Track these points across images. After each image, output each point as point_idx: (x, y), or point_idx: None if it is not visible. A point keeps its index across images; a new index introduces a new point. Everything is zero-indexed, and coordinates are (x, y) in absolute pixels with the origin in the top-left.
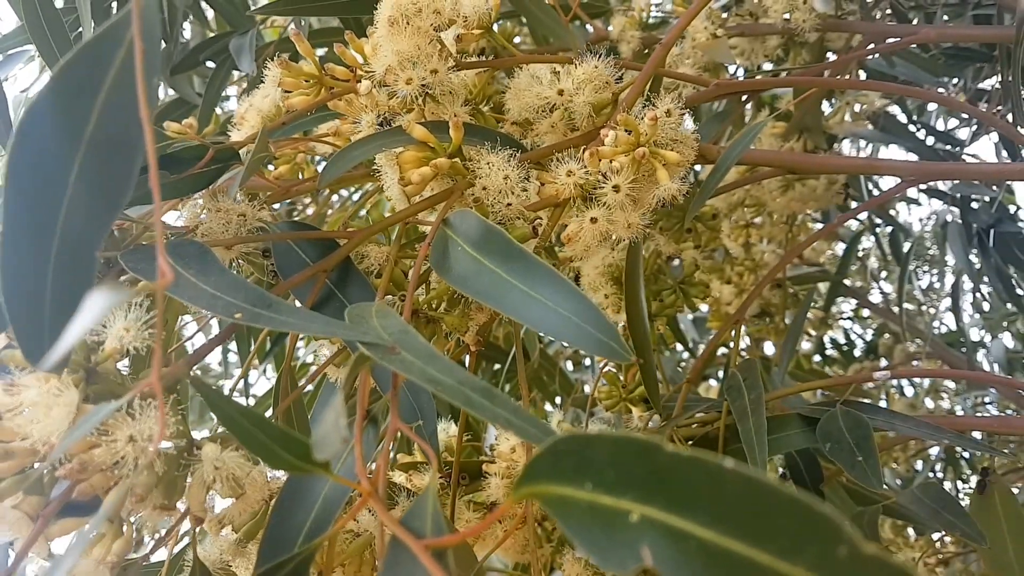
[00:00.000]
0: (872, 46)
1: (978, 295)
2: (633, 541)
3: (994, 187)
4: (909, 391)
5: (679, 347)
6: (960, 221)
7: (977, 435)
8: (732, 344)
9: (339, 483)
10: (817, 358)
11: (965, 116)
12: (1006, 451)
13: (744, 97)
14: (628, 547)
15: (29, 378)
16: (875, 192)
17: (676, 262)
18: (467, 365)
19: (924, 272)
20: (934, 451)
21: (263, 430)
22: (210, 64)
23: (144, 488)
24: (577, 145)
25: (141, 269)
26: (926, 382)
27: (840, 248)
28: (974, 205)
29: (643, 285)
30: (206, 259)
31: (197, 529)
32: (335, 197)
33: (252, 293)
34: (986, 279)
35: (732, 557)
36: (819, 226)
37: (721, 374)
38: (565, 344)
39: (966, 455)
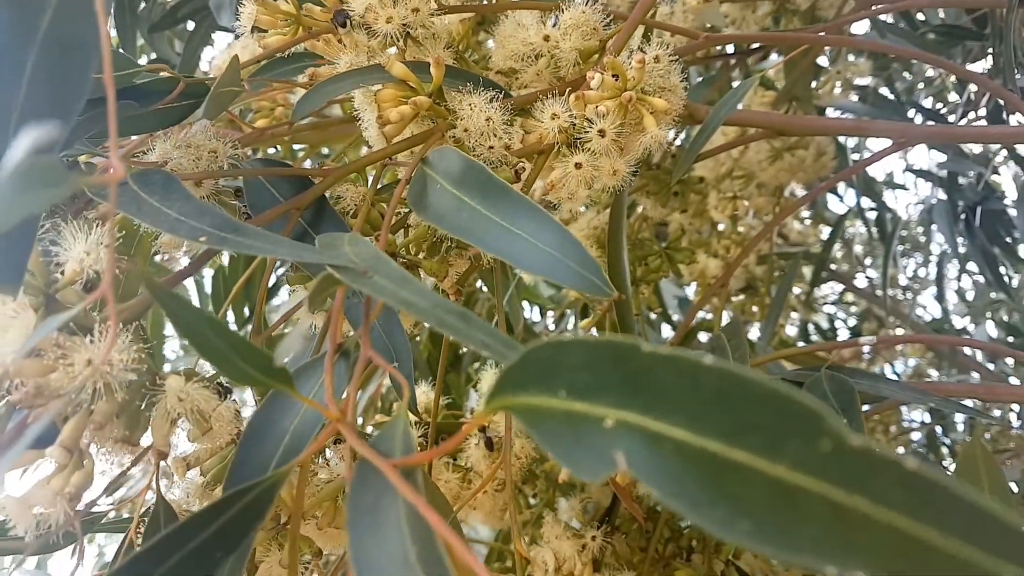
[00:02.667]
0: (862, 12)
1: (963, 284)
2: (607, 447)
3: (982, 169)
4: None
5: (665, 328)
6: (946, 198)
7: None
8: (715, 313)
9: (308, 412)
10: (801, 344)
11: (953, 100)
12: (992, 421)
13: (732, 62)
14: (601, 453)
15: None
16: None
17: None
18: None
19: (910, 259)
20: (916, 436)
21: (225, 339)
22: (190, 24)
23: (103, 415)
24: (563, 90)
25: (105, 194)
26: (911, 368)
27: (827, 233)
28: (961, 183)
29: (627, 247)
30: (171, 186)
31: (161, 464)
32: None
33: (218, 218)
34: (971, 263)
35: (709, 457)
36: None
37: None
38: (557, 285)
39: (947, 440)
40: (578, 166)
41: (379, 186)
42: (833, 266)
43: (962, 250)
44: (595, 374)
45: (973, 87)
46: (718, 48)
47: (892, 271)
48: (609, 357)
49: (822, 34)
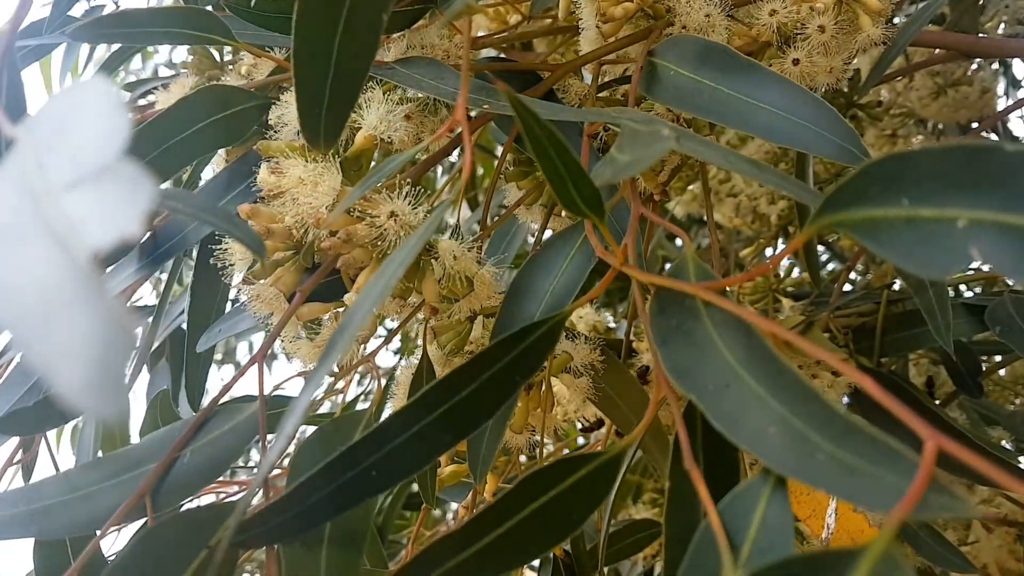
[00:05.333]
0: None
1: None
2: (959, 245)
3: None
4: None
5: None
6: None
7: None
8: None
9: (568, 273)
10: None
11: None
12: None
13: None
14: (953, 251)
15: (292, 160)
16: None
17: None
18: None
19: None
20: None
21: (564, 162)
22: None
23: None
24: None
25: (389, 73)
26: None
27: None
28: None
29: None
30: (440, 68)
31: (428, 323)
32: None
33: (487, 89)
34: None
35: None
36: None
37: None
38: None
39: None
40: (796, 63)
41: (599, 83)
42: None
43: None
44: (943, 180)
45: None
46: None
47: None
48: (961, 161)
49: None
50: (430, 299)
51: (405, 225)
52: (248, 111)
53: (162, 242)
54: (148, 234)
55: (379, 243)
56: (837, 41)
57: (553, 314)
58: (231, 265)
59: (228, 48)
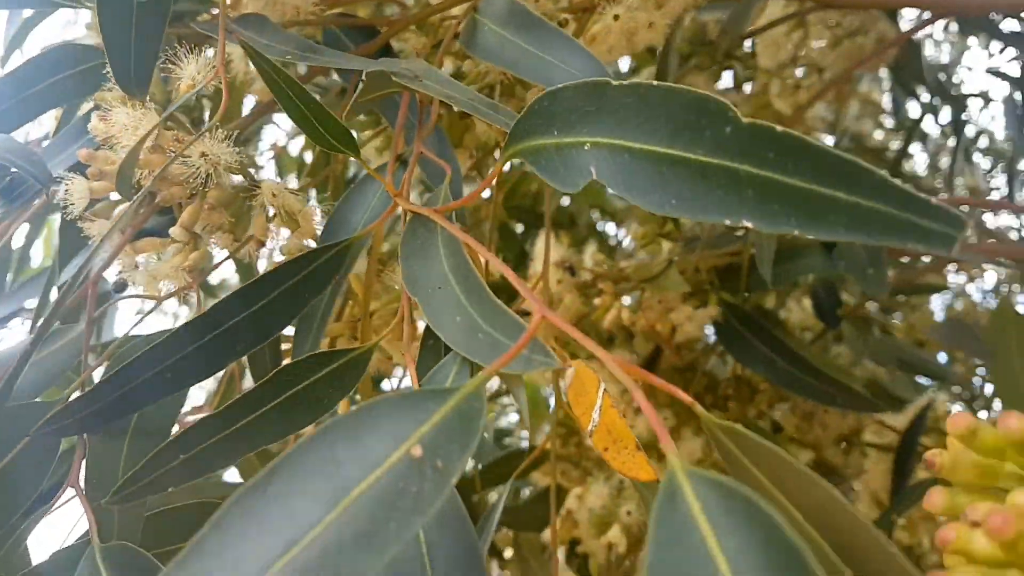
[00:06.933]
0: None
1: None
2: (585, 164)
3: None
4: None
5: None
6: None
7: None
8: None
9: (374, 209)
10: None
11: None
12: None
13: None
14: (580, 169)
15: (120, 108)
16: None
17: None
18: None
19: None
20: None
21: (304, 103)
22: None
23: (215, 200)
24: None
25: (204, 26)
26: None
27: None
28: None
29: None
30: (263, 23)
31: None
32: None
33: (301, 43)
34: None
35: (653, 156)
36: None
37: None
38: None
39: None
40: (616, 18)
41: (437, 40)
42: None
43: None
44: (578, 113)
45: None
46: None
47: (975, 183)
48: (587, 95)
49: None
50: (257, 233)
51: (215, 164)
52: (100, 67)
53: (16, 185)
54: (7, 179)
55: (191, 181)
56: None
57: (341, 239)
58: (72, 204)
59: None
